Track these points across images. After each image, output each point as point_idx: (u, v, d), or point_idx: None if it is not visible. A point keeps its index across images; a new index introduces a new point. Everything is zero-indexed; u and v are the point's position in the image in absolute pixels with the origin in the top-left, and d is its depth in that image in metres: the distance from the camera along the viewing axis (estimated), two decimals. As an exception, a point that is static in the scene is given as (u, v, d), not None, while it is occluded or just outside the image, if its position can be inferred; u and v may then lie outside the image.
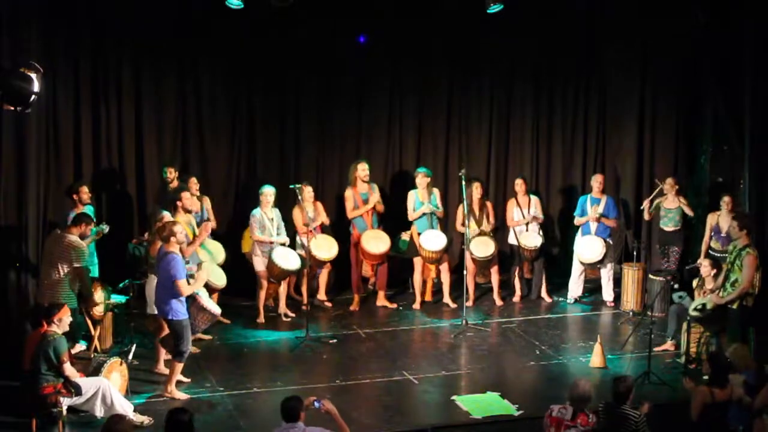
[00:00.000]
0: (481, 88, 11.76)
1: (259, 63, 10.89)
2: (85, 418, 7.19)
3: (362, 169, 10.38)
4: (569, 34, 11.65)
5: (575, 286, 10.97)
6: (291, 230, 10.24)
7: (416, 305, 10.66)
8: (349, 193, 10.44)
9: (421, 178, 10.49)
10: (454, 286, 10.76)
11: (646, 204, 10.58)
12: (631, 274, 10.54)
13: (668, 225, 10.45)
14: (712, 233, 9.85)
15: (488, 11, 10.04)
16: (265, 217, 9.90)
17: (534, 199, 10.91)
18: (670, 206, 10.42)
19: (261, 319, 10.00)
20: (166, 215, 8.70)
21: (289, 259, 9.81)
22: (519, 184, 10.87)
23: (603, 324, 10.35)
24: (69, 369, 6.87)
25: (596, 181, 10.82)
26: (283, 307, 10.18)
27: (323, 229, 10.40)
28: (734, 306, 8.26)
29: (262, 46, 10.78)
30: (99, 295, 8.56)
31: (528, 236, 10.71)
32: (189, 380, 8.18)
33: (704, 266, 9.05)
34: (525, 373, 8.78)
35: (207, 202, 10.08)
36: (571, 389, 6.02)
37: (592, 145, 12.09)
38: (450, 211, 11.22)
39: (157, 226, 8.21)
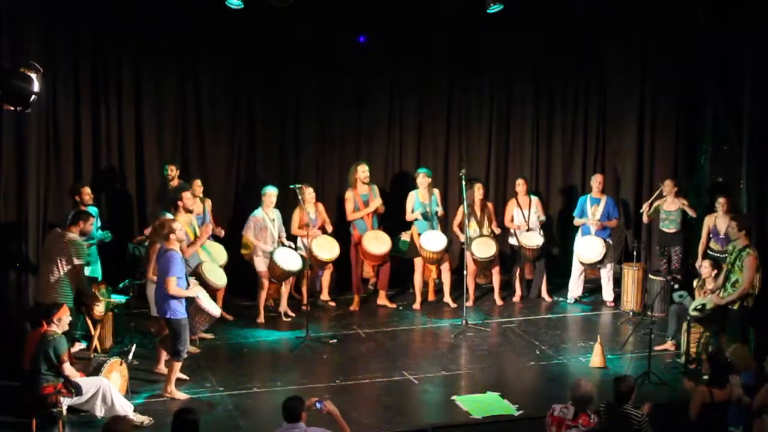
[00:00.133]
0: (481, 88, 11.76)
1: (259, 63, 10.89)
2: (86, 418, 7.19)
3: (362, 171, 10.38)
4: (569, 34, 11.65)
5: (575, 286, 10.97)
6: (291, 231, 10.25)
7: (416, 305, 10.66)
8: (349, 194, 10.44)
9: (422, 178, 10.49)
10: (455, 286, 10.76)
11: (645, 207, 10.57)
12: (631, 274, 10.54)
13: (669, 227, 10.44)
14: (710, 235, 9.84)
15: (488, 11, 10.04)
16: (267, 217, 9.90)
17: (534, 199, 10.91)
18: (669, 208, 10.41)
19: (261, 319, 10.00)
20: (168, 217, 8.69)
21: (290, 260, 9.81)
22: (520, 184, 10.87)
23: (603, 324, 10.36)
24: (69, 369, 6.87)
25: (596, 181, 10.82)
26: (284, 306, 10.18)
27: (323, 229, 10.39)
28: (735, 306, 8.27)
29: (262, 46, 10.77)
30: (100, 295, 8.55)
31: (529, 236, 10.71)
32: (188, 378, 8.18)
33: (705, 267, 9.05)
34: (525, 373, 8.78)
35: (209, 204, 10.09)
36: (573, 389, 6.01)
37: (592, 145, 12.09)
38: (450, 212, 11.22)
39: (156, 224, 8.22)
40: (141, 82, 10.57)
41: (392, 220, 10.78)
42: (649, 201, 10.59)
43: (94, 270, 9.22)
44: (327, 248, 10.14)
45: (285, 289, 10.19)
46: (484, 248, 10.43)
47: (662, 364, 8.69)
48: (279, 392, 7.77)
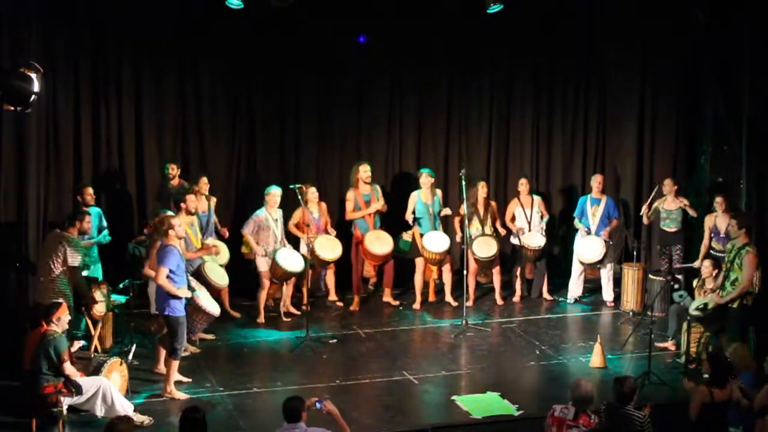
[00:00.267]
0: (481, 88, 11.76)
1: (259, 63, 10.89)
2: (86, 418, 7.18)
3: (364, 171, 10.38)
4: (569, 34, 11.65)
5: (575, 286, 10.97)
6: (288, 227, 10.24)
7: (416, 305, 10.66)
8: (350, 194, 10.44)
9: (425, 178, 10.48)
10: (455, 285, 10.76)
11: (645, 209, 10.56)
12: (631, 274, 10.54)
13: (670, 226, 10.44)
14: (711, 234, 9.85)
15: (488, 11, 10.05)
16: (270, 217, 9.90)
17: (537, 199, 10.90)
18: (670, 207, 10.41)
19: (261, 319, 10.00)
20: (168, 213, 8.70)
21: (292, 261, 9.80)
22: (522, 184, 10.85)
23: (603, 324, 10.35)
24: (69, 368, 6.86)
25: (596, 181, 10.82)
26: (288, 306, 10.19)
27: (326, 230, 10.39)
28: (734, 305, 8.27)
29: (262, 46, 10.78)
30: (100, 295, 8.55)
31: (531, 236, 10.70)
32: (189, 380, 8.19)
33: (705, 266, 9.05)
34: (525, 373, 8.78)
35: (214, 201, 10.09)
36: (573, 390, 6.00)
37: (592, 145, 12.09)
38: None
39: (155, 221, 8.24)
40: (141, 82, 10.58)
41: (392, 220, 10.77)
42: (648, 202, 10.59)
43: (94, 270, 9.22)
44: (329, 248, 10.14)
45: (287, 290, 10.19)
46: (485, 248, 10.43)
47: (662, 364, 8.69)
48: (279, 392, 7.77)
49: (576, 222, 10.87)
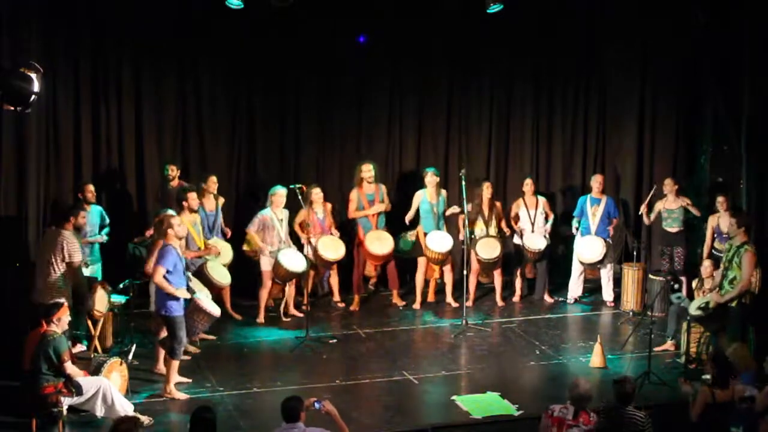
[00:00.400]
0: (481, 88, 11.76)
1: (259, 63, 10.89)
2: (86, 418, 7.19)
3: (366, 171, 10.36)
4: (569, 34, 11.65)
5: (575, 286, 10.96)
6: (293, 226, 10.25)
7: (416, 305, 10.66)
8: (354, 194, 10.43)
9: (430, 177, 10.46)
10: (456, 285, 10.75)
11: (643, 208, 10.56)
12: (631, 274, 10.54)
13: (672, 225, 10.42)
14: (715, 235, 9.85)
15: (488, 11, 10.04)
16: (275, 217, 9.89)
17: (542, 200, 10.88)
18: (671, 207, 10.41)
19: (261, 318, 10.00)
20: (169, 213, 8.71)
21: (295, 261, 9.79)
22: (528, 184, 10.82)
23: (603, 324, 10.35)
24: (71, 368, 6.86)
25: (596, 181, 10.81)
26: (290, 309, 10.20)
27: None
28: (734, 304, 8.26)
29: (262, 46, 10.78)
30: (101, 294, 8.55)
31: (532, 238, 10.69)
32: (189, 380, 8.18)
33: (705, 267, 9.05)
34: (525, 373, 8.78)
35: (221, 201, 10.10)
36: (572, 389, 6.00)
37: (592, 145, 12.09)
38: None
39: (156, 220, 8.24)
40: (141, 82, 10.58)
41: (393, 220, 10.76)
42: (646, 201, 10.59)
43: (93, 270, 9.22)
44: (332, 248, 10.13)
45: (290, 290, 10.19)
46: (488, 249, 10.42)
47: (662, 364, 8.69)
48: (279, 392, 7.75)
49: (574, 225, 10.86)
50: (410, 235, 10.60)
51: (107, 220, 9.57)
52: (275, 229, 9.87)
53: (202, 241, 9.28)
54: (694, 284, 9.26)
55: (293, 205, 10.21)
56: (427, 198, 10.47)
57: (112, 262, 9.67)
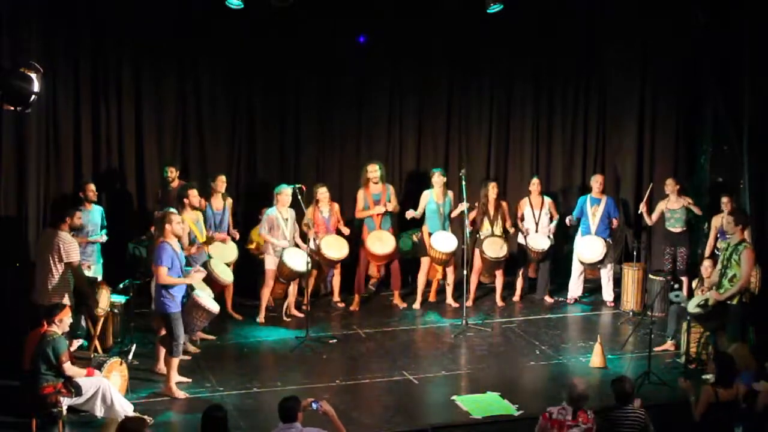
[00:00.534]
0: (481, 88, 11.76)
1: (259, 63, 10.89)
2: (85, 418, 7.19)
3: (372, 171, 10.33)
4: (569, 34, 11.65)
5: (575, 286, 10.96)
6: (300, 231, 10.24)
7: (416, 305, 10.66)
8: (360, 194, 10.41)
9: (437, 178, 10.45)
10: (457, 286, 10.74)
11: (643, 208, 10.55)
12: (631, 274, 10.53)
13: (675, 225, 10.42)
14: (718, 235, 9.85)
15: (488, 11, 10.05)
16: (281, 216, 9.87)
17: (548, 200, 10.87)
18: (674, 206, 10.40)
19: (261, 318, 9.99)
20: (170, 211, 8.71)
21: (299, 260, 9.78)
22: (534, 184, 10.82)
23: (603, 324, 10.35)
24: (70, 368, 6.86)
25: (596, 181, 10.81)
26: (292, 310, 10.19)
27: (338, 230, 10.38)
28: (734, 302, 8.26)
29: (262, 46, 10.78)
30: (102, 294, 8.56)
31: (536, 238, 10.69)
32: (189, 380, 8.18)
33: (705, 267, 9.05)
34: (525, 373, 8.78)
35: (229, 202, 10.09)
36: (570, 389, 5.99)
37: (592, 145, 12.09)
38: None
39: (156, 218, 8.24)
40: (141, 82, 10.57)
41: (393, 220, 10.77)
42: (645, 200, 10.58)
43: (94, 270, 9.22)
44: (336, 247, 10.11)
45: (292, 291, 10.18)
46: (494, 248, 10.40)
47: (662, 364, 8.69)
48: (279, 392, 7.73)
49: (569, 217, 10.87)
50: (413, 236, 10.59)
51: (105, 221, 9.56)
52: (280, 228, 9.85)
53: (205, 239, 9.29)
54: (694, 284, 9.26)
55: (293, 205, 10.20)
56: (434, 198, 10.46)
57: (112, 262, 9.66)
